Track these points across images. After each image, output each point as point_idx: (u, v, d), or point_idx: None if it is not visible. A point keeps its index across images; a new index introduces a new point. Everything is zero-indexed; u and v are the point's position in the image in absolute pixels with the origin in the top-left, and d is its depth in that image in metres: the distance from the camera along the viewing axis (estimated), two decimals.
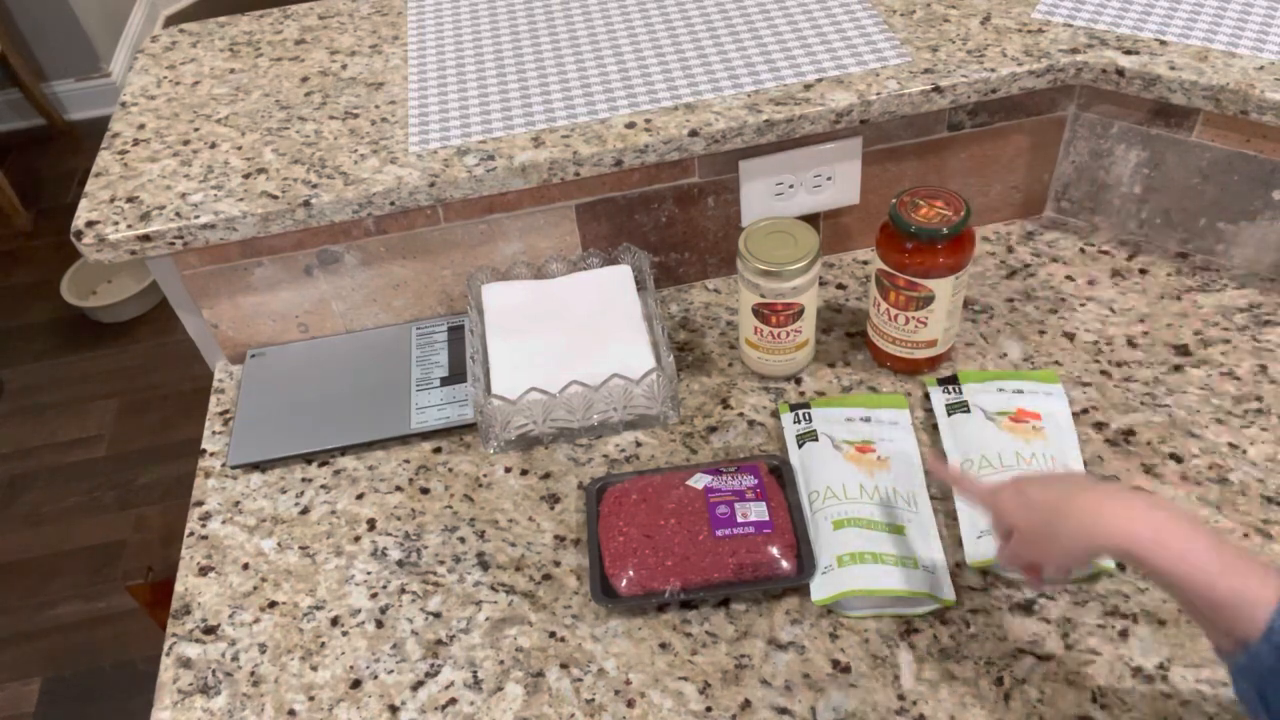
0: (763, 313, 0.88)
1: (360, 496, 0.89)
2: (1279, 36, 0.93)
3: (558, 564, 0.82)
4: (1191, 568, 0.55)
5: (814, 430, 0.86)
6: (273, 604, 0.82)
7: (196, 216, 0.89)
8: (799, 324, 0.88)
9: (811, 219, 1.03)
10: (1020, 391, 0.88)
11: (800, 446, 0.86)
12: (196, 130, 1.00)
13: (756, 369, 0.94)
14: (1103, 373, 0.91)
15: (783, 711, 0.71)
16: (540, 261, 0.99)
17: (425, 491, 0.89)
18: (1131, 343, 0.94)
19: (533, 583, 0.81)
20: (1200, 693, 0.70)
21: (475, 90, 1.00)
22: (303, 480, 0.91)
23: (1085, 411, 0.88)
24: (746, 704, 0.72)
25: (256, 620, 0.81)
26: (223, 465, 0.93)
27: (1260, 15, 0.96)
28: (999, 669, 0.72)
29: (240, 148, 0.97)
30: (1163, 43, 0.94)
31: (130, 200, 0.92)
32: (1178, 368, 0.91)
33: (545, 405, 0.88)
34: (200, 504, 0.90)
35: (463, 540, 0.85)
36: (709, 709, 0.72)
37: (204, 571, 0.85)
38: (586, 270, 0.99)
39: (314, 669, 0.77)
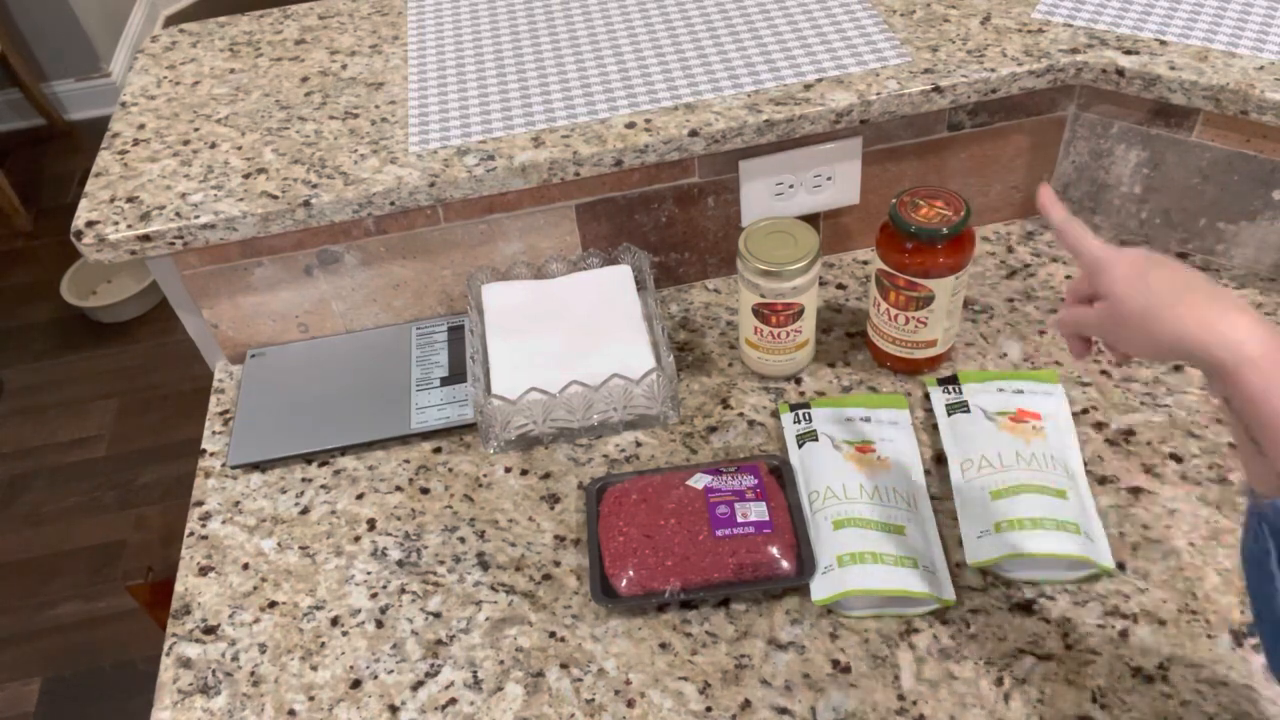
0: (763, 313, 0.88)
1: (360, 496, 0.89)
2: (1279, 36, 0.93)
3: (558, 564, 0.82)
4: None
5: (814, 430, 0.86)
6: (273, 604, 0.82)
7: (196, 216, 0.89)
8: (799, 324, 0.89)
9: (811, 219, 1.03)
10: (1020, 391, 0.88)
11: (800, 446, 0.86)
12: (196, 130, 1.00)
13: (756, 369, 0.94)
14: (1103, 373, 0.91)
15: (783, 711, 0.71)
16: (540, 261, 0.99)
17: (425, 491, 0.89)
18: None
19: (533, 583, 0.81)
20: (1200, 693, 0.70)
21: (475, 90, 1.00)
22: (303, 480, 0.91)
23: (1085, 411, 0.88)
24: (746, 704, 0.72)
25: (256, 620, 0.81)
26: (223, 465, 0.93)
27: (1260, 15, 0.96)
28: (999, 669, 0.72)
29: (240, 148, 0.97)
30: (1163, 43, 0.94)
31: (130, 200, 0.92)
32: (1178, 368, 0.91)
33: (545, 405, 0.88)
34: (200, 504, 0.90)
35: (463, 540, 0.85)
36: (709, 709, 0.72)
37: (204, 571, 0.85)
38: (586, 270, 0.99)
39: (314, 669, 0.77)
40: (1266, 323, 0.52)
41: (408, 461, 0.92)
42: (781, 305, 0.86)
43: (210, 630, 0.81)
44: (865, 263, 1.06)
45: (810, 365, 0.95)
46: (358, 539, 0.86)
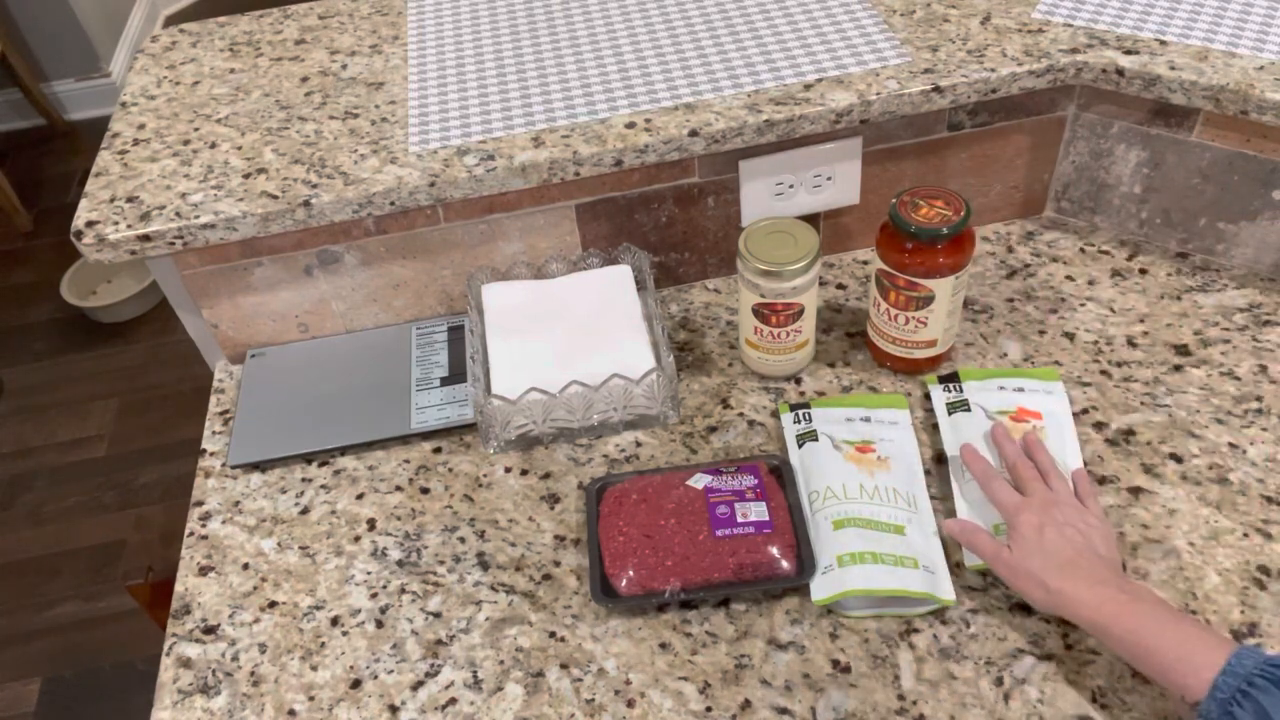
0: (763, 313, 0.88)
1: (360, 496, 0.89)
2: (1279, 36, 0.93)
3: (558, 564, 0.82)
4: (1145, 640, 0.63)
5: (814, 430, 0.86)
6: (273, 604, 0.82)
7: (196, 216, 0.89)
8: (799, 324, 0.89)
9: (811, 219, 1.03)
10: (1021, 390, 0.88)
11: (800, 446, 0.86)
12: (196, 130, 1.00)
13: (756, 369, 0.94)
14: (1103, 373, 0.92)
15: (783, 711, 0.71)
16: (540, 261, 0.99)
17: (425, 491, 0.89)
18: (1131, 342, 0.94)
19: (533, 583, 0.81)
20: None
21: (475, 90, 1.00)
22: (303, 480, 0.91)
23: (1085, 411, 0.88)
24: (746, 704, 0.72)
25: (256, 620, 0.81)
26: (223, 465, 0.93)
27: (1260, 15, 0.96)
28: (999, 669, 0.72)
29: (240, 148, 0.97)
30: (1163, 43, 0.94)
31: (130, 200, 0.92)
32: (1178, 368, 0.91)
33: (545, 405, 0.88)
34: (200, 504, 0.90)
35: (463, 540, 0.85)
36: (709, 709, 0.72)
37: (204, 571, 0.85)
38: (586, 270, 0.99)
39: (314, 669, 0.77)
40: (1120, 583, 0.68)
41: (408, 461, 0.92)
42: (781, 305, 0.86)
43: (210, 630, 0.81)
44: (865, 263, 1.06)
45: (810, 365, 0.95)
46: (358, 539, 0.86)
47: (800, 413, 0.89)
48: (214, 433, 0.97)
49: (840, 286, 1.03)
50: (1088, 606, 0.67)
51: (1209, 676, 0.58)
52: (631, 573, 0.77)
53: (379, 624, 0.80)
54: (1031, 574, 0.70)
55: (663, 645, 0.76)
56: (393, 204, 0.91)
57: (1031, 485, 0.76)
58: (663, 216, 1.00)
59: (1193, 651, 0.61)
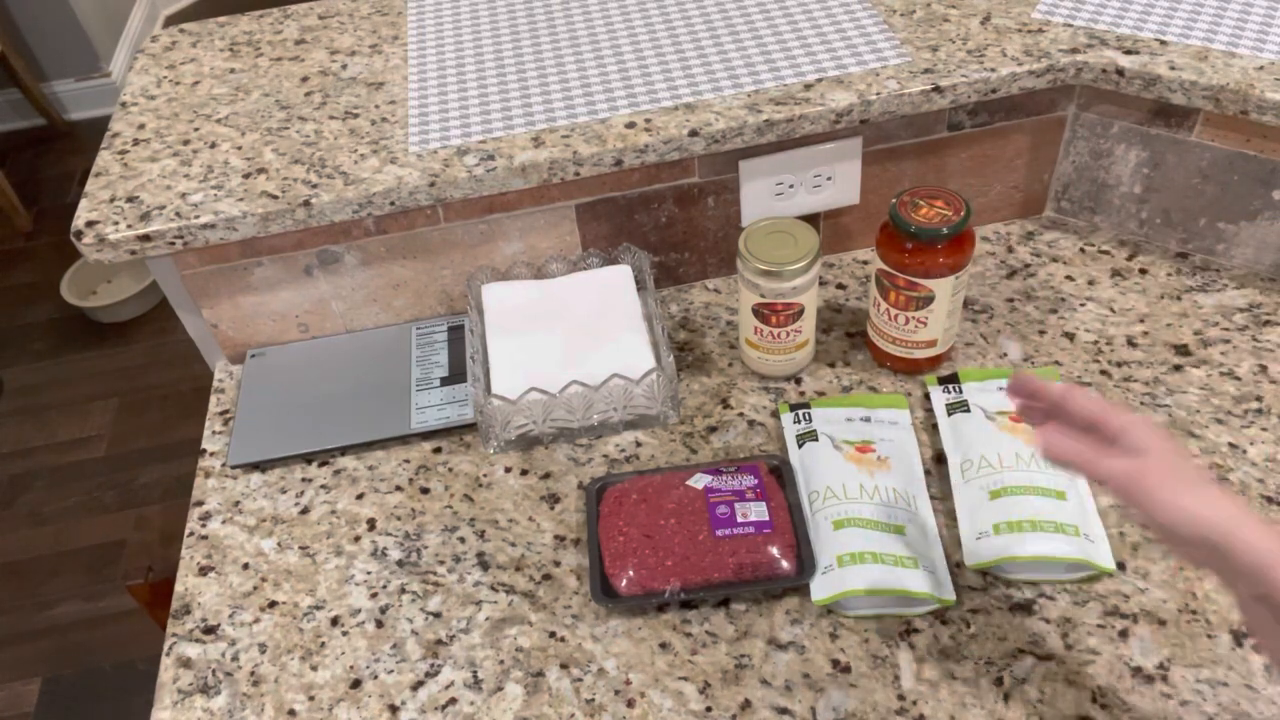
0: (763, 313, 0.88)
1: (360, 496, 0.89)
2: (1279, 36, 0.93)
3: (558, 564, 0.82)
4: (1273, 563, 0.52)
5: (814, 430, 0.86)
6: (273, 604, 0.82)
7: (196, 216, 0.89)
8: (799, 324, 0.89)
9: (811, 219, 1.03)
10: None
11: (800, 446, 0.86)
12: (196, 130, 1.00)
13: (756, 369, 0.94)
14: (1103, 373, 0.92)
15: (783, 711, 0.71)
16: (540, 261, 0.99)
17: (425, 491, 0.89)
18: (1131, 343, 0.94)
19: (533, 583, 0.81)
20: (1200, 693, 0.70)
21: (475, 90, 1.00)
22: (303, 480, 0.91)
23: None
24: (746, 704, 0.72)
25: (256, 620, 0.81)
26: (223, 465, 0.93)
27: (1260, 15, 0.96)
28: (999, 669, 0.72)
29: (240, 148, 0.97)
30: (1163, 43, 0.94)
31: (130, 200, 0.92)
32: (1178, 368, 0.91)
33: (545, 405, 0.88)
34: (200, 504, 0.90)
35: (463, 540, 0.85)
36: (709, 709, 0.72)
37: (204, 571, 0.85)
38: (586, 270, 0.99)
39: (314, 669, 0.77)
40: (1243, 506, 0.55)
41: (408, 461, 0.92)
42: (781, 305, 0.86)
43: (210, 630, 0.81)
44: (865, 263, 1.06)
45: (810, 365, 0.95)
46: (358, 539, 0.86)
47: (800, 413, 0.89)
48: (214, 433, 0.97)
49: (840, 286, 1.03)
50: (1262, 533, 0.53)
51: None
52: (631, 573, 0.77)
53: (379, 624, 0.80)
54: (1186, 483, 0.56)
55: (663, 645, 0.76)
56: (393, 204, 0.91)
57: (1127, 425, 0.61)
58: (663, 216, 1.00)
59: None
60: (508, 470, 0.90)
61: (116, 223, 0.90)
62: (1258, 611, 0.55)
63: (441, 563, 0.83)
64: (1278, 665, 0.56)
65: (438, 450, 0.92)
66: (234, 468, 0.92)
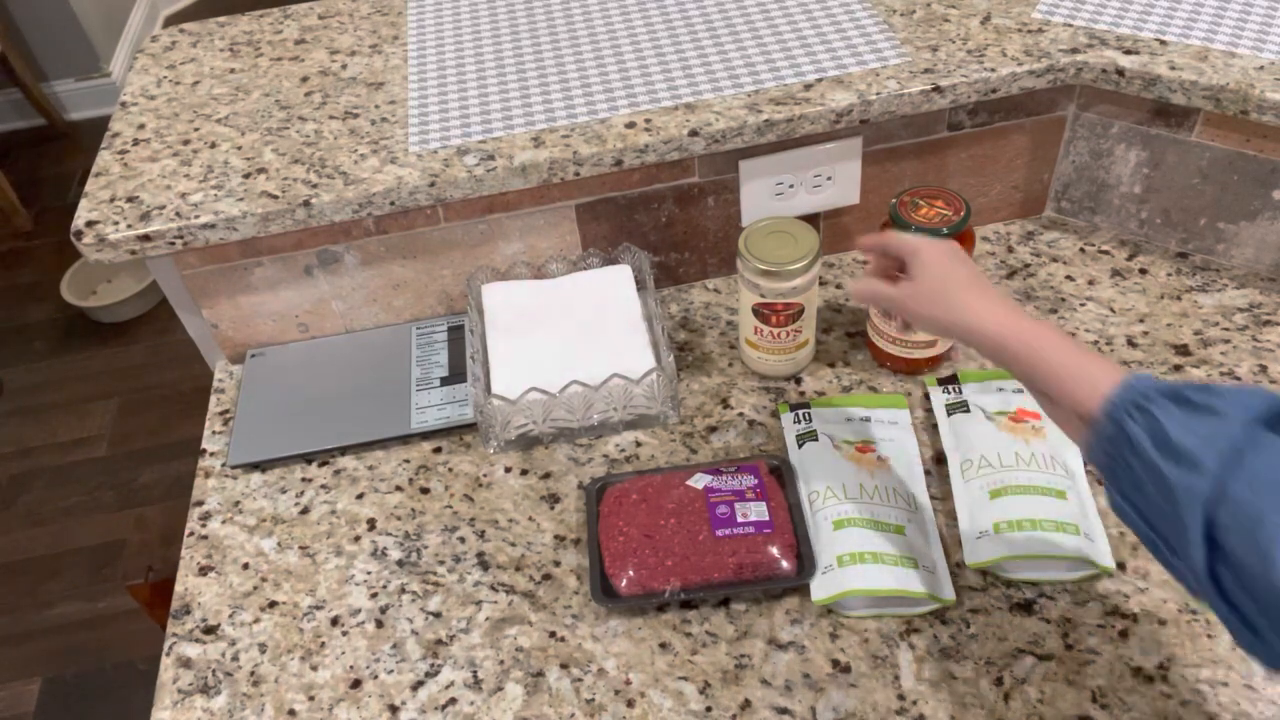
0: (763, 313, 0.88)
1: (360, 496, 0.89)
2: (1279, 36, 0.93)
3: (558, 564, 0.82)
4: (1045, 355, 0.63)
5: (814, 430, 0.86)
6: (273, 604, 0.82)
7: (196, 216, 0.89)
8: (799, 324, 0.89)
9: (811, 219, 1.03)
10: (1020, 391, 0.88)
11: (800, 446, 0.86)
12: (196, 130, 1.00)
13: (756, 369, 0.94)
14: None
15: (783, 711, 0.71)
16: (540, 261, 0.99)
17: (425, 491, 0.89)
18: (1131, 343, 0.94)
19: (533, 583, 0.81)
20: (1200, 693, 0.70)
21: (475, 90, 1.00)
22: (303, 480, 0.91)
23: None
24: (746, 704, 0.72)
25: (256, 620, 0.81)
26: (223, 465, 0.93)
27: (1260, 15, 0.96)
28: (999, 669, 0.72)
29: (240, 148, 0.97)
30: (1163, 42, 0.94)
31: (130, 200, 0.92)
32: (1178, 368, 0.91)
33: (545, 405, 0.88)
34: (200, 504, 0.90)
35: (463, 540, 0.85)
36: (709, 709, 0.72)
37: (204, 571, 0.85)
38: (586, 270, 0.99)
39: (314, 669, 0.77)
40: (1018, 307, 0.68)
41: (408, 461, 0.92)
42: (781, 305, 0.86)
43: (210, 630, 0.81)
44: (865, 263, 1.05)
45: (810, 365, 0.95)
46: (358, 539, 0.86)
47: (800, 413, 0.89)
48: (214, 433, 0.97)
49: (840, 286, 1.03)
50: (990, 321, 0.66)
51: (1105, 390, 0.58)
52: (631, 573, 0.77)
53: (379, 624, 0.80)
54: (935, 296, 0.70)
55: (663, 645, 0.76)
56: (393, 204, 0.91)
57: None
58: (663, 216, 1.00)
59: (1091, 368, 0.60)
60: (508, 470, 0.90)
61: (116, 223, 0.90)
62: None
63: (441, 563, 0.83)
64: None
65: (438, 450, 0.92)
66: (234, 468, 0.92)
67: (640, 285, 0.97)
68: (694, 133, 0.91)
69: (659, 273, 1.04)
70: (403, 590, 0.82)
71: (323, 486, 0.91)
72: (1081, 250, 1.04)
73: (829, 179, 0.99)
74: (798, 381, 0.94)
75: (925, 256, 0.72)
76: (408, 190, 0.90)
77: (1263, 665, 0.51)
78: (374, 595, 0.82)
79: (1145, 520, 0.56)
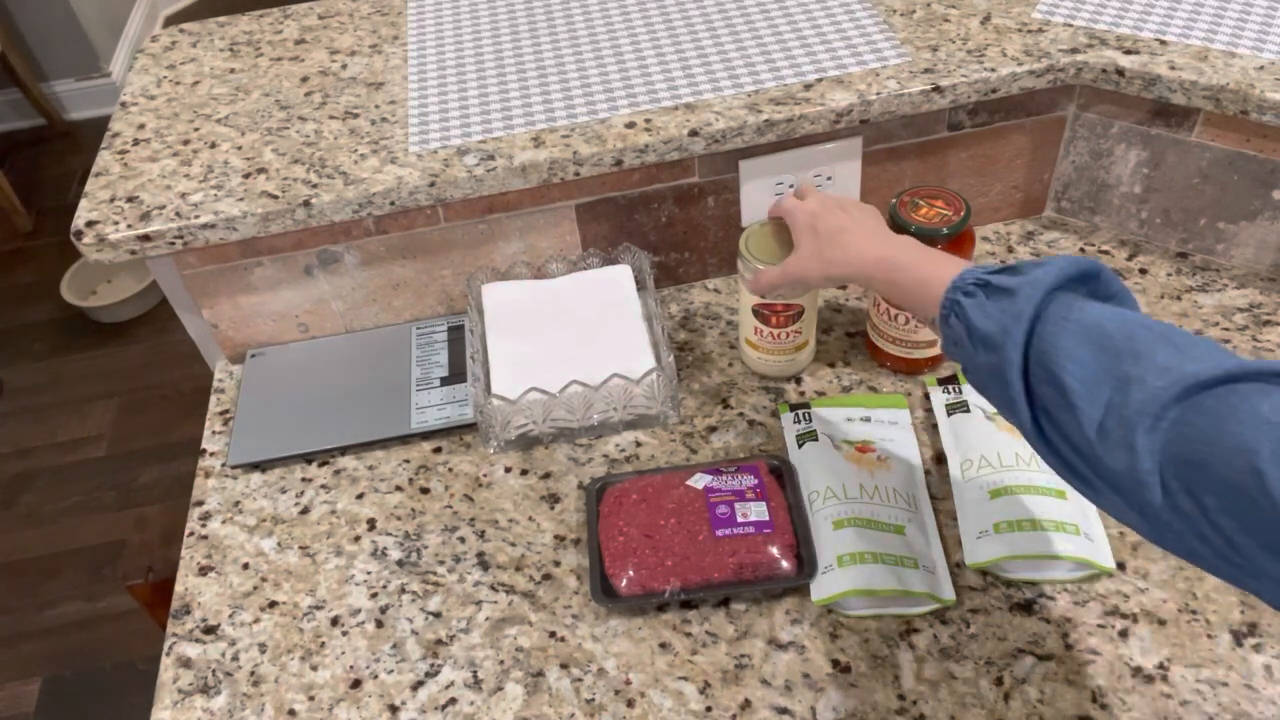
0: (763, 313, 0.88)
1: (360, 496, 0.89)
2: (1279, 36, 0.93)
3: (558, 564, 0.82)
4: (899, 271, 0.68)
5: (814, 430, 0.87)
6: (273, 604, 0.82)
7: (196, 216, 0.89)
8: (799, 325, 0.89)
9: None
10: None
11: (800, 446, 0.86)
12: (196, 130, 1.00)
13: (756, 369, 0.95)
14: None
15: (783, 711, 0.71)
16: (540, 261, 0.99)
17: (425, 491, 0.89)
18: None
19: (533, 583, 0.81)
20: (1200, 693, 0.70)
21: (475, 90, 1.00)
22: (303, 480, 0.91)
23: None
24: (746, 704, 0.72)
25: (256, 620, 0.81)
26: (223, 465, 0.93)
27: (1260, 15, 0.96)
28: (999, 669, 0.72)
29: (240, 148, 0.97)
30: (1163, 42, 0.94)
31: (130, 200, 0.92)
32: None
33: (545, 405, 0.88)
34: (200, 504, 0.90)
35: (463, 540, 0.85)
36: (709, 709, 0.72)
37: (204, 571, 0.85)
38: (586, 270, 0.99)
39: (314, 669, 0.77)
40: (885, 231, 0.74)
41: (408, 461, 0.92)
42: (781, 306, 0.87)
43: (210, 630, 0.81)
44: None
45: (810, 365, 0.95)
46: (358, 539, 0.86)
47: (800, 413, 0.89)
48: (214, 433, 0.97)
49: (840, 287, 1.03)
50: (856, 262, 0.71)
51: (938, 294, 0.62)
52: (631, 572, 0.77)
53: (379, 624, 0.80)
54: (813, 256, 0.75)
55: (663, 645, 0.76)
56: (393, 204, 0.91)
57: (804, 191, 0.81)
58: (663, 216, 1.00)
59: (931, 278, 0.64)
60: (508, 470, 0.90)
61: (116, 223, 0.90)
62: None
63: (441, 563, 0.83)
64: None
65: (438, 450, 0.92)
66: (234, 468, 0.92)
67: (640, 285, 0.97)
68: (694, 133, 0.91)
69: (659, 273, 1.04)
70: (403, 590, 0.82)
71: (323, 486, 0.91)
72: (1082, 250, 1.04)
73: (829, 179, 0.99)
74: (798, 381, 0.94)
75: (795, 220, 0.78)
76: (408, 190, 0.90)
77: (1099, 507, 0.57)
78: (374, 595, 0.82)
79: (988, 397, 0.61)
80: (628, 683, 0.74)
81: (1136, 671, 0.71)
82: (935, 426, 0.88)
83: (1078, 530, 0.77)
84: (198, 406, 2.11)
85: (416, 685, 0.76)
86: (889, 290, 0.69)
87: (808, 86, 0.95)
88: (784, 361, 0.92)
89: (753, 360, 0.94)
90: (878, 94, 0.92)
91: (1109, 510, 0.53)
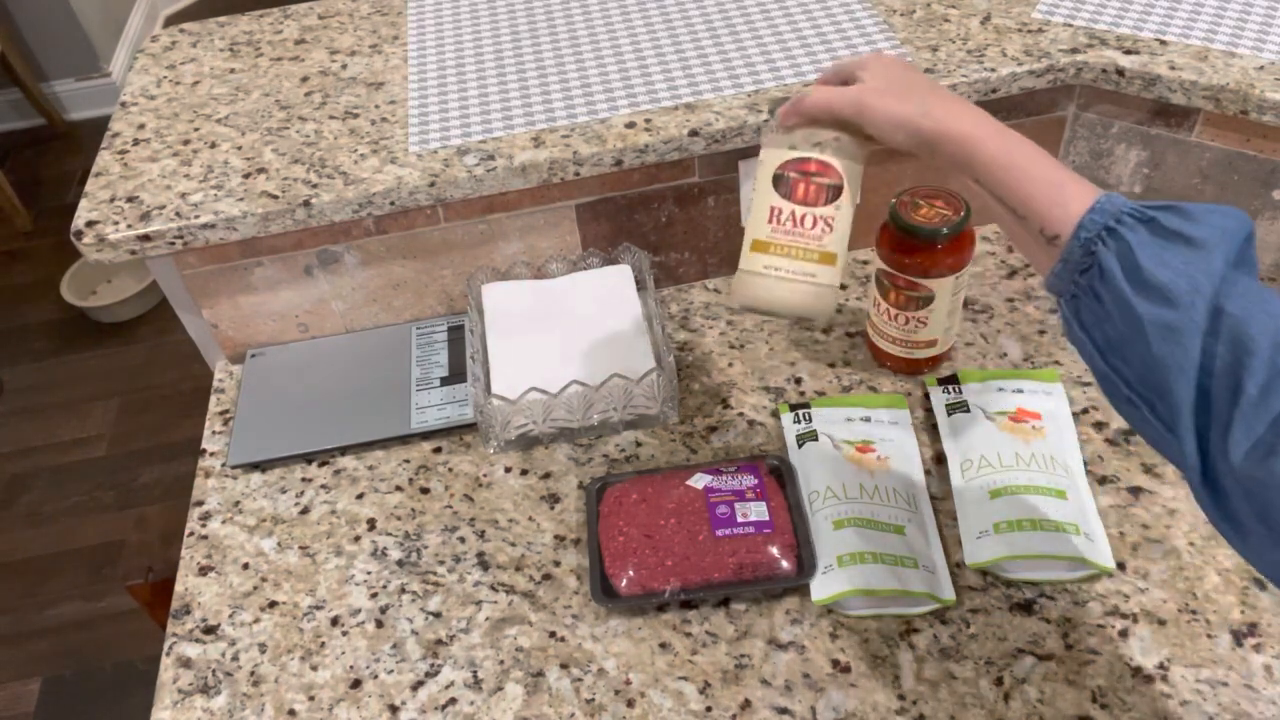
0: (789, 179, 0.66)
1: (360, 496, 0.89)
2: (1279, 36, 0.93)
3: (558, 564, 0.82)
4: (1020, 163, 0.57)
5: (814, 430, 0.87)
6: (273, 604, 0.82)
7: (196, 216, 0.89)
8: (833, 208, 0.67)
9: None
10: (1020, 391, 0.88)
11: (800, 446, 0.86)
12: (196, 130, 1.00)
13: (755, 295, 0.68)
14: None
15: (783, 711, 0.71)
16: (540, 261, 0.99)
17: (425, 491, 0.89)
18: None
19: (533, 583, 0.81)
20: (1200, 693, 0.70)
21: (475, 90, 1.00)
22: (303, 480, 0.91)
23: (1085, 411, 0.88)
24: (746, 704, 0.72)
25: (256, 620, 0.81)
26: (223, 465, 0.93)
27: (1260, 15, 0.96)
28: (999, 669, 0.72)
29: (240, 148, 0.97)
30: (1163, 42, 0.94)
31: (130, 200, 0.92)
32: None
33: (545, 405, 0.88)
34: (200, 504, 0.90)
35: (463, 540, 0.85)
36: (709, 709, 0.72)
37: (204, 571, 0.85)
38: (586, 270, 0.99)
39: (314, 669, 0.77)
40: (992, 121, 0.60)
41: (408, 461, 0.92)
42: (816, 166, 0.66)
43: (210, 630, 0.81)
44: (865, 263, 1.06)
45: (810, 365, 0.95)
46: (358, 539, 0.86)
47: (800, 413, 0.89)
48: (214, 433, 0.97)
49: (840, 286, 1.03)
50: (963, 119, 0.59)
51: (1077, 211, 0.53)
52: (631, 572, 0.77)
53: (379, 624, 0.80)
54: (898, 90, 0.62)
55: (663, 645, 0.76)
56: (393, 204, 0.91)
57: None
58: (663, 216, 1.00)
59: (1065, 185, 0.55)
60: (508, 470, 0.90)
61: (116, 223, 0.90)
62: (998, 211, 0.60)
63: (441, 563, 0.83)
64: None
65: (438, 450, 0.92)
66: (234, 468, 0.92)
67: (640, 285, 0.97)
68: (694, 133, 0.91)
69: (659, 273, 1.04)
70: (403, 590, 0.82)
71: (323, 486, 0.91)
72: None
73: None
74: (798, 381, 0.94)
75: (879, 59, 0.65)
76: (408, 190, 0.90)
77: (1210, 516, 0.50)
78: (374, 595, 0.82)
79: (1104, 356, 0.53)
80: (628, 683, 0.74)
81: (1136, 671, 0.71)
82: (935, 426, 0.88)
83: (1078, 530, 0.77)
84: (198, 406, 2.11)
85: (416, 685, 0.76)
86: (996, 174, 0.57)
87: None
88: (800, 276, 0.67)
89: (755, 281, 0.68)
90: None
91: (1176, 462, 0.49)
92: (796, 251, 0.67)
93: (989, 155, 0.58)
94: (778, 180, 0.67)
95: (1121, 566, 0.77)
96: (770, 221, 0.67)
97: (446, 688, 0.75)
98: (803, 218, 0.66)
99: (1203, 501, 0.49)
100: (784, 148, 0.66)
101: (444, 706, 0.74)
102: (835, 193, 0.67)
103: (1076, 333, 0.54)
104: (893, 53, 0.97)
